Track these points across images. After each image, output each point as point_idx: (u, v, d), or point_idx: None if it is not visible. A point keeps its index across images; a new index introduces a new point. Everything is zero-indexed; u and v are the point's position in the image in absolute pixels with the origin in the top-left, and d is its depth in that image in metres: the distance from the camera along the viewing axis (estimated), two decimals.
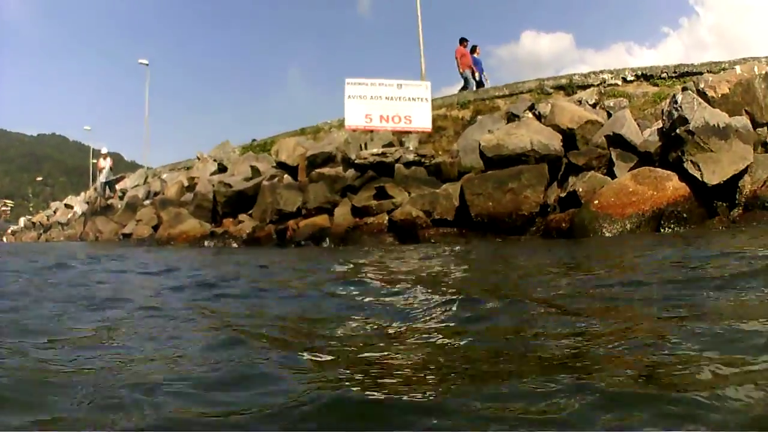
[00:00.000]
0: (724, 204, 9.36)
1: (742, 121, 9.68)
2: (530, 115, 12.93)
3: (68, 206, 30.42)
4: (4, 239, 39.11)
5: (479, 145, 11.92)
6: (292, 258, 9.62)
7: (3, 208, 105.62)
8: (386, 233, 12.06)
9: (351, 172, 14.77)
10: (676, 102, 9.74)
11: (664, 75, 13.81)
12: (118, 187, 25.77)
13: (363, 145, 15.71)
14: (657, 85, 13.65)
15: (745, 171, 9.33)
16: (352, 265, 7.16)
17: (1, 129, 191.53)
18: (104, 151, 24.24)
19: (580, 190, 10.09)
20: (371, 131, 15.76)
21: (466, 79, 18.47)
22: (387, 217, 12.20)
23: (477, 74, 18.70)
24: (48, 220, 32.65)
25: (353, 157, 14.84)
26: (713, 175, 9.15)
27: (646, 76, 14.08)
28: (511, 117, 13.56)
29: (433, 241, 11.06)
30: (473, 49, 18.84)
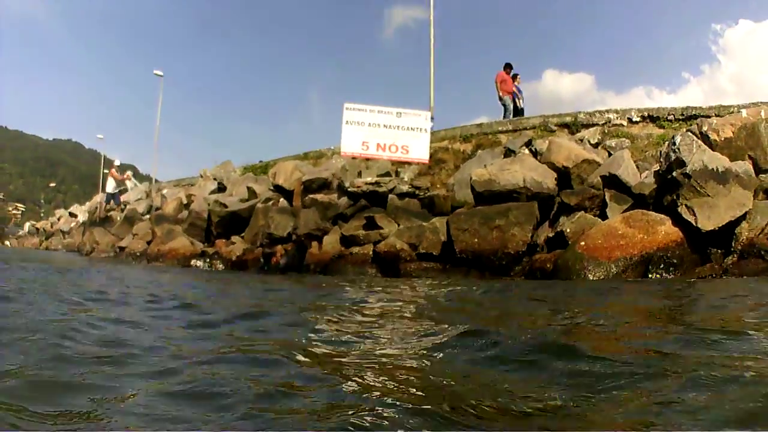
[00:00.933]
0: (719, 251, 8.81)
1: (743, 166, 9.16)
2: (527, 151, 12.51)
3: (72, 215, 30.41)
4: (7, 243, 39.25)
5: (470, 179, 11.49)
6: (254, 284, 9.24)
7: (14, 212, 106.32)
8: (370, 264, 11.62)
9: (344, 199, 14.40)
10: (674, 144, 9.26)
11: (670, 117, 13.29)
12: (122, 198, 25.60)
13: (359, 174, 15.34)
14: (663, 127, 13.13)
15: (743, 218, 8.78)
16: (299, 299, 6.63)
17: (17, 130, 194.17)
18: (117, 163, 23.99)
19: (568, 230, 9.59)
20: (368, 159, 15.40)
21: (505, 106, 17.78)
22: (372, 248, 11.75)
23: (518, 102, 18.05)
24: (52, 227, 32.61)
25: (347, 184, 14.48)
26: (708, 220, 8.62)
27: (652, 118, 13.58)
28: (508, 152, 13.13)
29: (414, 275, 10.58)
30: (514, 78, 18.22)
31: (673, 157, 9.11)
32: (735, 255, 8.68)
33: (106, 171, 26.15)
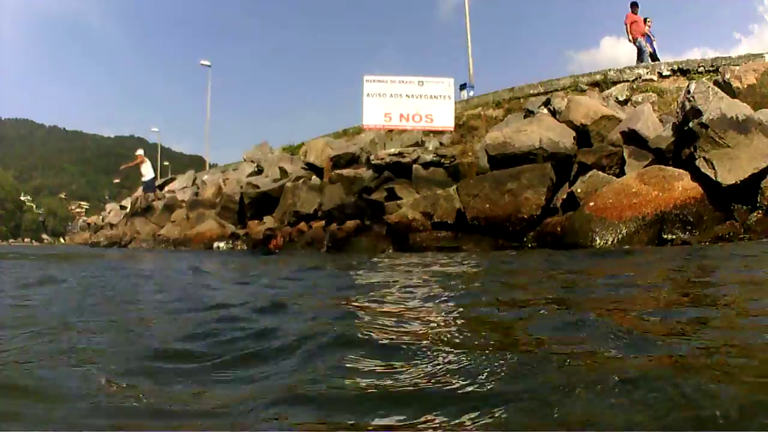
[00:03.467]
0: (744, 207, 8.14)
1: None
2: (545, 111, 11.94)
3: (123, 207, 30.80)
4: (61, 240, 40.36)
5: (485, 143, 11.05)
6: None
7: (78, 210, 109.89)
8: (384, 238, 11.34)
9: (369, 173, 14.13)
10: (689, 92, 8.61)
11: (701, 69, 12.45)
12: (167, 188, 25.87)
13: (383, 145, 15.05)
14: (693, 80, 12.34)
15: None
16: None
17: (76, 131, 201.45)
18: (140, 152, 24.10)
19: (579, 190, 9.08)
20: (399, 131, 15.05)
21: (639, 48, 16.33)
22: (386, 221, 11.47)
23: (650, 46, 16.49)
24: (103, 221, 33.26)
25: (372, 157, 14.20)
26: (729, 173, 7.97)
27: (682, 71, 12.76)
28: (527, 113, 12.60)
29: (425, 247, 10.23)
30: (644, 21, 16.69)
31: (688, 106, 8.48)
32: (760, 211, 8.03)
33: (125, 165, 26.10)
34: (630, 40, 16.48)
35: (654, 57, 16.16)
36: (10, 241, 79.20)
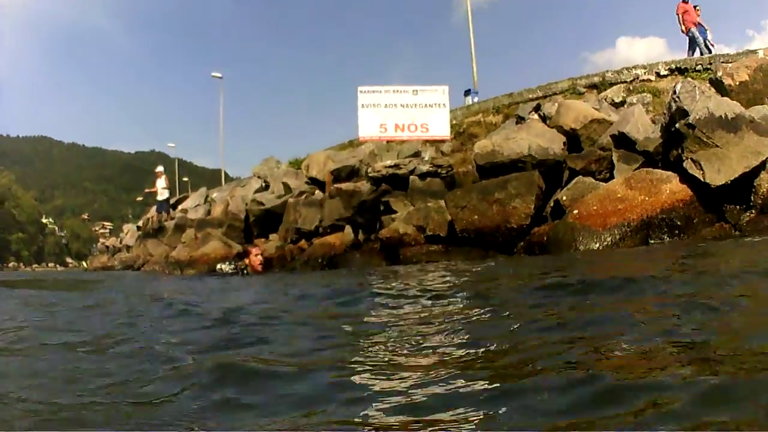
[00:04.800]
0: (737, 208, 7.82)
1: (761, 111, 8.13)
2: (536, 116, 11.67)
3: (140, 228, 30.47)
4: (84, 264, 39.91)
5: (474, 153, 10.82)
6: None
7: (101, 231, 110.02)
8: (378, 253, 11.16)
9: (367, 186, 13.95)
10: (675, 92, 8.31)
11: (698, 67, 12.09)
12: (180, 206, 25.62)
13: (382, 157, 14.87)
14: (694, 79, 11.99)
15: (761, 167, 7.74)
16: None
17: (96, 147, 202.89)
18: (159, 169, 23.82)
19: (564, 198, 8.82)
20: (399, 141, 14.89)
21: (692, 38, 15.79)
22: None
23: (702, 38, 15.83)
24: (120, 242, 33.11)
25: (369, 170, 14.03)
26: (718, 174, 7.64)
27: (680, 70, 12.40)
28: (519, 120, 12.33)
29: (414, 261, 10.03)
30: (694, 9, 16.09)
31: (674, 107, 8.17)
32: (754, 210, 7.70)
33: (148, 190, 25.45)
34: (683, 31, 16.01)
35: (708, 48, 15.56)
36: (34, 266, 78.77)
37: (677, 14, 15.92)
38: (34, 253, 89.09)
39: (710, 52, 14.97)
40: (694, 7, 16.02)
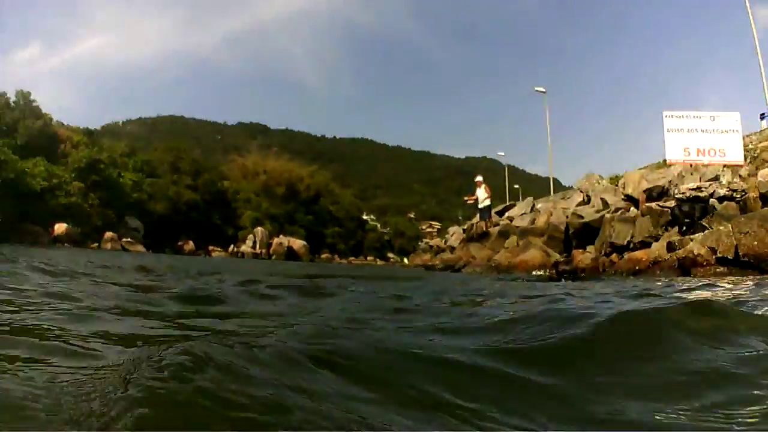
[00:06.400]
0: None
1: None
2: None
3: (465, 231, 32.65)
4: (405, 260, 42.93)
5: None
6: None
7: (428, 230, 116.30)
8: (675, 269, 12.87)
9: (674, 205, 15.71)
10: None
11: None
12: (507, 214, 28.66)
13: (686, 179, 16.47)
14: None
15: None
16: None
17: (424, 150, 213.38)
18: (479, 178, 26.07)
19: None
20: (692, 165, 16.35)
21: None
22: (675, 256, 13.15)
23: None
24: (445, 243, 36.47)
25: (676, 191, 15.78)
26: None
27: None
28: None
29: (699, 275, 11.71)
30: None
31: None
32: None
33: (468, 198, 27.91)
34: None
35: None
36: (351, 259, 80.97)
37: None
38: (351, 246, 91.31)
39: None
40: None
